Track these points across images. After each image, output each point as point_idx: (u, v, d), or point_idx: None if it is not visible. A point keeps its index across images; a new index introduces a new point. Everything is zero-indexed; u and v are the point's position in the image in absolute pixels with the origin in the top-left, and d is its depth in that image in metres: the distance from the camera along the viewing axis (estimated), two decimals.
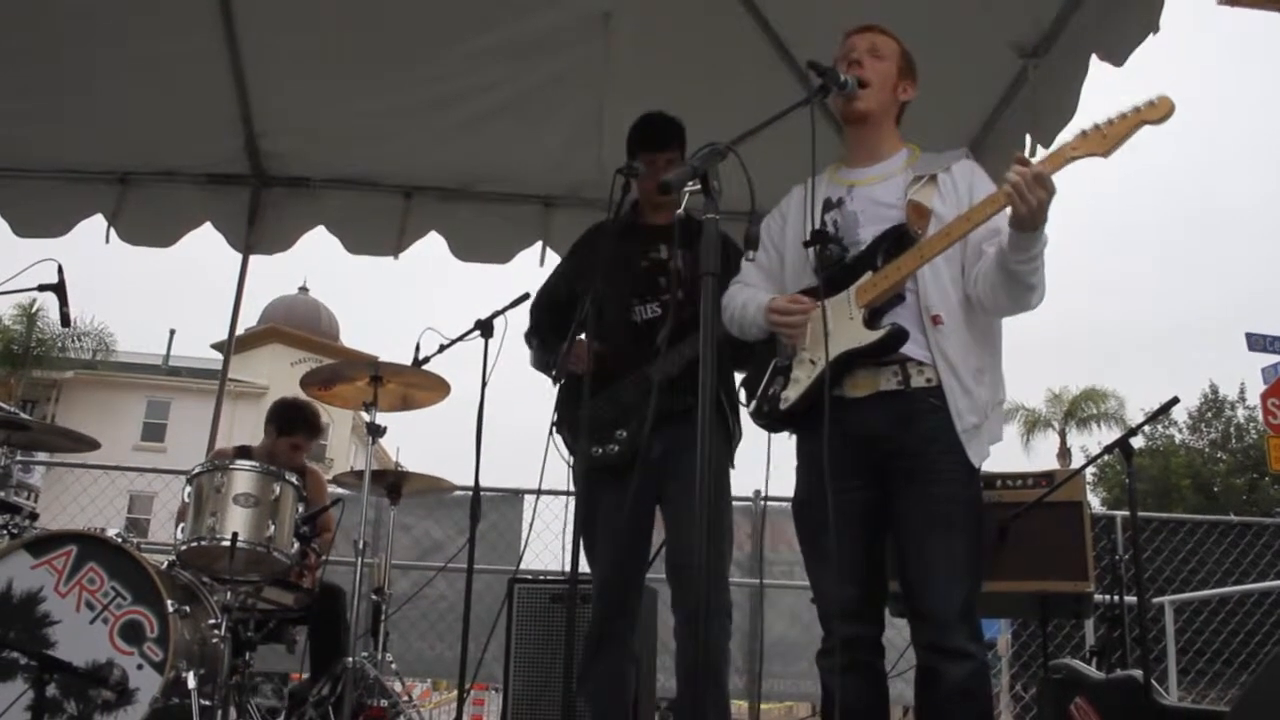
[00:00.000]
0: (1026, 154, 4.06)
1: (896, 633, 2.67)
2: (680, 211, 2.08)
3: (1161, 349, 66.47)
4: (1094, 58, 3.50)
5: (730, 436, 3.41)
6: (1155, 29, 3.16)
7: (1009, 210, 2.34)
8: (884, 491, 2.53)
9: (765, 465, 2.97)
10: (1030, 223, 2.32)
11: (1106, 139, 2.27)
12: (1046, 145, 3.87)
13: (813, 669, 2.67)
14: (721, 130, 2.16)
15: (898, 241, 2.55)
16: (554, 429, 3.51)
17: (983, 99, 4.34)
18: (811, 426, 2.55)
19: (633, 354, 3.44)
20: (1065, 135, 3.70)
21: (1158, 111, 2.24)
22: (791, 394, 2.60)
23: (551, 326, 3.66)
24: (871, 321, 2.52)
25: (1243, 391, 27.67)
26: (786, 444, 2.76)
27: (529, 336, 3.76)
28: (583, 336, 3.47)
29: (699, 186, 2.01)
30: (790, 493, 2.73)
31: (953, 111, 4.35)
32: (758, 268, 2.82)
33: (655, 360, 3.38)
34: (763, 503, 6.46)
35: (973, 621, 2.40)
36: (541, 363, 3.68)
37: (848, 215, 2.65)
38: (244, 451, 4.67)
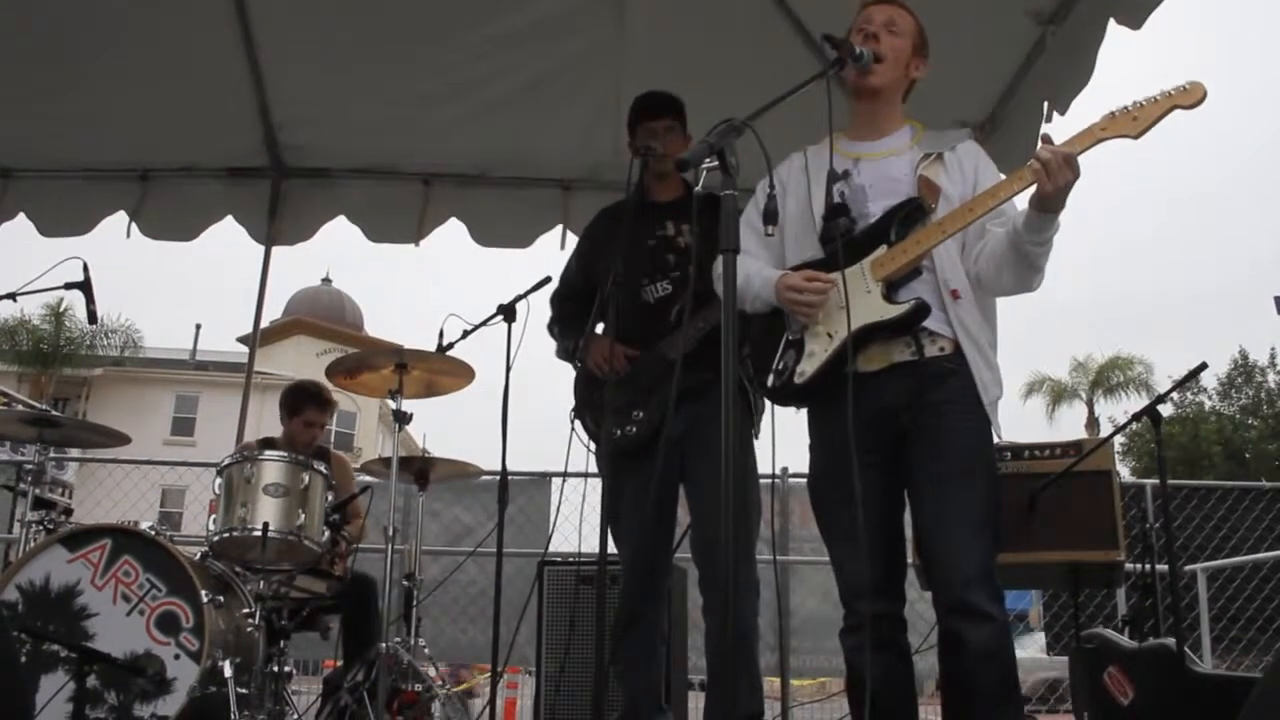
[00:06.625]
0: (1044, 122, 4.04)
1: (927, 606, 2.66)
2: (699, 188, 2.08)
3: (1190, 314, 65.80)
4: (1112, 21, 3.45)
5: (751, 410, 3.36)
6: None
7: (1030, 189, 2.35)
8: (900, 464, 2.52)
9: (772, 441, 2.96)
10: (1053, 204, 2.34)
11: (1138, 121, 2.28)
12: (1063, 112, 3.83)
13: None
14: (737, 106, 2.14)
15: (911, 215, 2.54)
16: (574, 416, 3.52)
17: (1001, 68, 4.30)
18: (825, 402, 2.54)
19: (645, 333, 3.43)
20: (1082, 102, 3.71)
21: (1190, 97, 2.24)
22: (808, 368, 2.56)
23: (572, 315, 3.68)
24: (890, 295, 2.51)
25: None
26: (797, 419, 2.73)
27: (551, 327, 3.78)
28: (600, 328, 3.47)
29: (716, 163, 2.00)
30: None
31: (971, 81, 4.32)
32: (755, 234, 2.75)
33: (669, 337, 3.37)
34: (788, 479, 6.48)
35: (992, 582, 2.39)
36: (565, 352, 3.70)
37: (855, 188, 2.63)
38: (268, 443, 4.70)
